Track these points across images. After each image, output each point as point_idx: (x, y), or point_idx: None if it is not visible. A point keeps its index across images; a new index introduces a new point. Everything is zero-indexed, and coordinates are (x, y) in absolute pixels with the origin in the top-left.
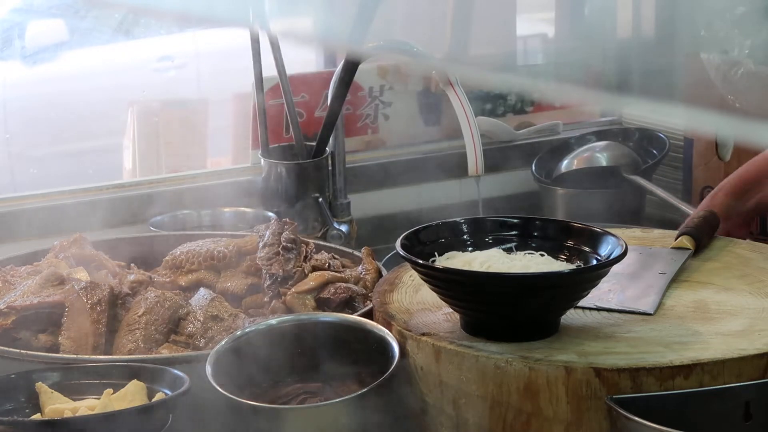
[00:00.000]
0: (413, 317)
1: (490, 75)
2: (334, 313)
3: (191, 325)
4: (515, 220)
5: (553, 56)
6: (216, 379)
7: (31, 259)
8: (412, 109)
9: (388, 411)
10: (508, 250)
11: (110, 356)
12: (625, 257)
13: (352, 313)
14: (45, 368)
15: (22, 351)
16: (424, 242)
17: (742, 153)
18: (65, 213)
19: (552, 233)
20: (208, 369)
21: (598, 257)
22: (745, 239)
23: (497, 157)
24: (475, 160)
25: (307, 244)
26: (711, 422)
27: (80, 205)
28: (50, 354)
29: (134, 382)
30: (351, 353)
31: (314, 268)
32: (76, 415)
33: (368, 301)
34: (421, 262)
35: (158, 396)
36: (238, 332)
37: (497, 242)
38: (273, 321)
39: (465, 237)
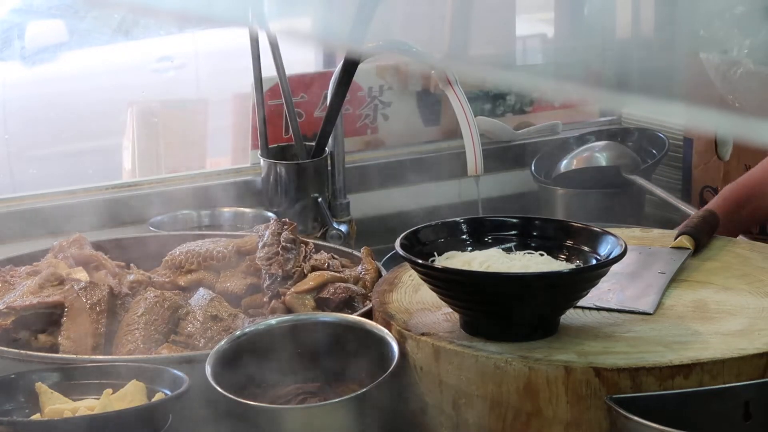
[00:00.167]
0: (413, 317)
1: (489, 75)
2: (334, 313)
3: (191, 325)
4: (515, 220)
5: (552, 56)
6: (215, 379)
7: (30, 260)
8: (412, 109)
9: (387, 411)
10: (508, 250)
11: (110, 356)
12: (625, 257)
13: (351, 313)
14: (45, 368)
15: (21, 351)
16: (423, 242)
17: (742, 152)
18: (65, 213)
19: (551, 233)
20: (208, 369)
21: (598, 257)
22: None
23: (497, 157)
24: (474, 160)
25: (306, 244)
26: (711, 422)
27: (80, 205)
28: (50, 354)
29: (134, 382)
30: (350, 353)
31: (314, 268)
32: (76, 415)
33: (368, 301)
34: (420, 261)
35: (158, 396)
36: (238, 332)
37: (497, 242)
38: (272, 321)
39: (464, 237)
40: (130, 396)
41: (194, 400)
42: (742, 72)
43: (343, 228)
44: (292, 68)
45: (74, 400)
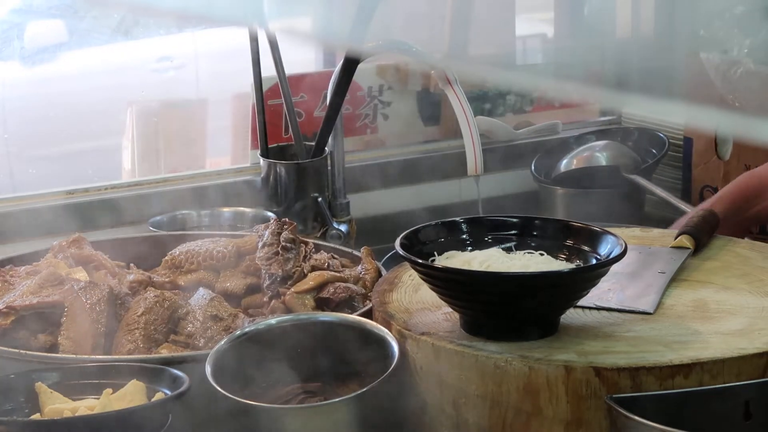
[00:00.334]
0: (413, 317)
1: (489, 74)
2: (334, 313)
3: (191, 325)
4: (514, 220)
5: (552, 56)
6: (215, 379)
7: (30, 260)
8: (412, 108)
9: (387, 411)
10: (508, 250)
11: (109, 356)
12: (625, 256)
13: (351, 313)
14: (44, 368)
15: (21, 351)
16: (423, 242)
17: (742, 152)
18: (64, 213)
19: (551, 232)
20: (208, 369)
21: (598, 256)
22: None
23: (497, 157)
24: (474, 159)
25: (306, 243)
26: (711, 421)
27: (79, 205)
28: (50, 354)
29: (134, 381)
30: (350, 353)
31: (313, 268)
32: (76, 415)
33: (368, 301)
34: (420, 261)
35: (158, 396)
36: (238, 332)
37: (497, 242)
38: (272, 321)
39: (464, 236)
40: (129, 396)
41: (194, 400)
42: (742, 72)
43: (343, 228)
44: (291, 68)
45: (74, 400)
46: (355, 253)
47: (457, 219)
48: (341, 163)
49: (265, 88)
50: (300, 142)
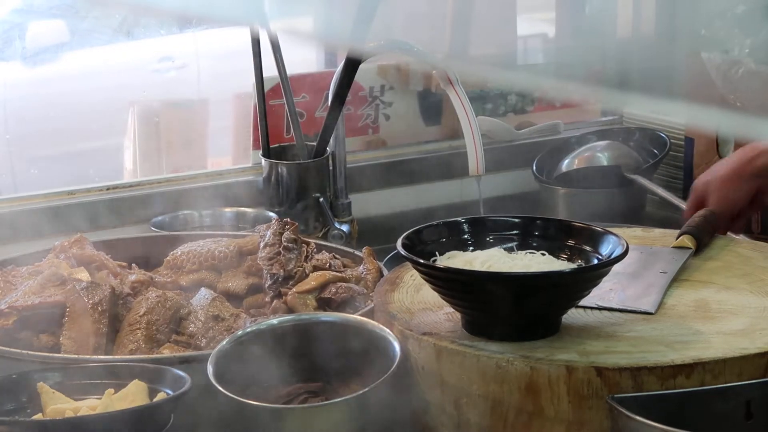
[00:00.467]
0: (414, 317)
1: (490, 74)
2: (336, 313)
3: (192, 325)
4: (516, 220)
5: (553, 56)
6: (217, 379)
7: (32, 260)
8: (413, 108)
9: (389, 411)
10: (509, 250)
11: (111, 356)
12: (626, 256)
13: (353, 313)
14: (46, 368)
15: (23, 351)
16: (425, 242)
17: None
18: (66, 213)
19: (553, 233)
20: (210, 369)
21: (599, 256)
22: (740, 232)
23: (498, 157)
24: (476, 159)
25: (308, 244)
26: (712, 421)
27: (81, 205)
28: (51, 354)
29: (135, 382)
30: (352, 353)
31: (315, 268)
32: (78, 415)
33: (369, 301)
34: (422, 261)
35: (160, 396)
36: (240, 332)
37: (498, 242)
38: (274, 321)
39: (466, 236)
40: (131, 396)
41: (196, 400)
42: (743, 71)
43: (344, 228)
44: (293, 68)
45: (76, 400)
46: (357, 253)
47: (459, 219)
48: (343, 164)
49: (266, 88)
50: (301, 143)
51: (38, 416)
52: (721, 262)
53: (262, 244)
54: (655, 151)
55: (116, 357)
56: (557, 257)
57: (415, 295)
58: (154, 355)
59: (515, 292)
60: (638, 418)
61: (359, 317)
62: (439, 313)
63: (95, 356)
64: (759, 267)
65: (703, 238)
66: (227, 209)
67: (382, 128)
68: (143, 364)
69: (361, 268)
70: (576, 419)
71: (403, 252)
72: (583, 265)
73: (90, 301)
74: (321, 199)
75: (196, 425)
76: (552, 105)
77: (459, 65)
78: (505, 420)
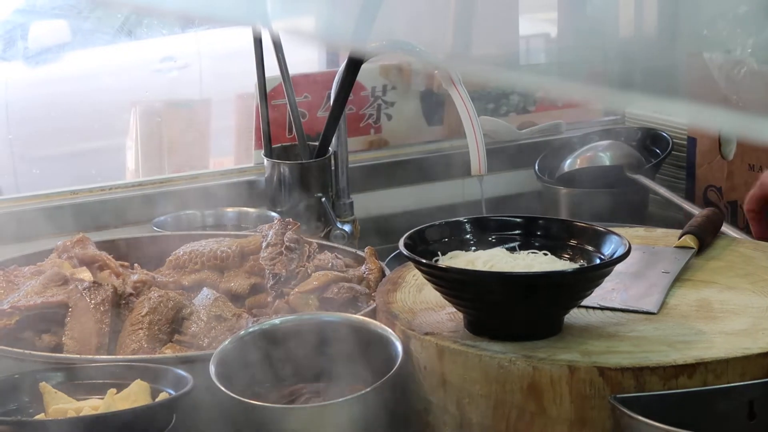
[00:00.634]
0: (416, 317)
1: (492, 74)
2: (338, 313)
3: (194, 325)
4: (518, 220)
5: (555, 56)
6: (219, 379)
7: (34, 260)
8: (415, 108)
9: (391, 410)
10: (511, 250)
11: (114, 356)
12: (629, 256)
13: (355, 313)
14: (48, 368)
15: (25, 351)
16: (427, 242)
17: (745, 152)
18: (68, 213)
19: (555, 232)
20: (212, 369)
21: (602, 256)
22: None
23: (500, 157)
24: (478, 159)
25: (310, 243)
26: (715, 421)
27: (83, 205)
28: (54, 354)
29: (138, 381)
30: (354, 353)
31: (317, 268)
32: (80, 415)
33: (371, 301)
34: (424, 261)
35: (162, 396)
36: (242, 332)
37: (500, 241)
38: (276, 321)
39: (468, 236)
40: (134, 396)
41: (198, 400)
42: (745, 71)
43: (346, 228)
44: (295, 68)
45: (78, 400)
46: (359, 253)
47: (461, 219)
48: (345, 163)
49: (268, 88)
50: (303, 142)
51: (40, 416)
52: (723, 262)
53: (264, 244)
54: (658, 150)
55: (118, 357)
56: (559, 257)
57: (417, 295)
58: (156, 355)
59: (517, 292)
60: (640, 418)
61: (361, 317)
62: (441, 313)
63: (97, 356)
64: (761, 267)
65: (706, 237)
66: (229, 209)
67: (384, 128)
68: (145, 364)
69: (363, 268)
70: (578, 419)
71: (405, 252)
72: (586, 265)
73: (92, 301)
74: (323, 199)
75: (198, 425)
76: (554, 105)
77: (461, 65)
78: (507, 420)
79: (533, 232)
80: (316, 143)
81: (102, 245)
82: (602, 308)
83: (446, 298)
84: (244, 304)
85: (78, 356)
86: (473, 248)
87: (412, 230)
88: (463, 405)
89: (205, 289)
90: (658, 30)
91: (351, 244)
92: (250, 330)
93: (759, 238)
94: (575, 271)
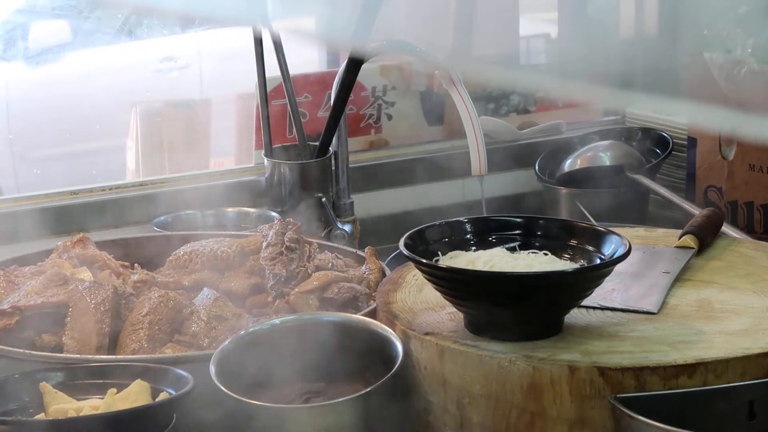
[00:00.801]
0: (417, 317)
1: (493, 74)
2: (338, 313)
3: (195, 325)
4: (518, 220)
5: (555, 56)
6: (220, 379)
7: (34, 260)
8: (415, 108)
9: (391, 410)
10: (512, 250)
11: (114, 356)
12: (629, 256)
13: (355, 313)
14: (49, 368)
15: (25, 351)
16: (427, 242)
17: (746, 152)
18: (69, 213)
19: (555, 232)
20: (212, 369)
21: (602, 256)
22: None
23: (500, 157)
24: (478, 159)
25: (310, 243)
26: (715, 421)
27: (84, 205)
28: (54, 354)
29: (138, 381)
30: (354, 353)
31: (317, 268)
32: (80, 415)
33: (372, 301)
34: (424, 261)
35: (162, 396)
36: (242, 332)
37: (500, 241)
38: (276, 321)
39: (468, 236)
40: (134, 396)
41: (198, 400)
42: (745, 71)
43: (347, 228)
44: (295, 68)
45: (78, 400)
46: (359, 253)
47: (461, 219)
48: (345, 163)
49: (269, 88)
50: (304, 142)
51: (41, 416)
52: (723, 262)
53: (264, 244)
54: (658, 151)
55: (119, 357)
56: (560, 257)
57: (417, 295)
58: (157, 355)
59: (517, 292)
60: (641, 418)
61: (361, 317)
62: (441, 312)
63: (98, 356)
64: (762, 267)
65: (706, 238)
66: (230, 209)
67: (385, 128)
68: (146, 364)
69: (363, 268)
70: (578, 419)
71: (405, 252)
72: (586, 265)
73: (92, 301)
74: (323, 199)
75: (199, 425)
76: (554, 105)
77: (461, 65)
78: (508, 420)
79: (533, 232)
80: (317, 143)
81: (102, 245)
82: (602, 308)
83: (446, 298)
84: (244, 304)
85: (78, 356)
86: (473, 248)
87: (412, 230)
88: (463, 405)
89: (205, 289)
90: (659, 30)
91: (351, 244)
92: (250, 330)
93: None
94: (575, 271)
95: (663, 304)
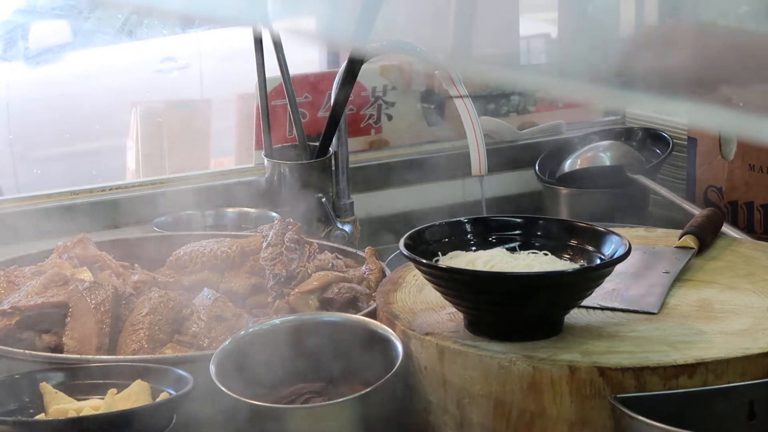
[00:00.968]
0: (417, 317)
1: (493, 74)
2: (338, 313)
3: (195, 325)
4: (518, 220)
5: (556, 56)
6: (220, 379)
7: (34, 260)
8: (416, 109)
9: (391, 411)
10: (512, 250)
11: (114, 356)
12: (629, 256)
13: (355, 313)
14: (49, 368)
15: (25, 351)
16: (427, 242)
17: (746, 152)
18: (69, 214)
19: (555, 233)
20: (212, 369)
21: (602, 256)
22: None
23: (500, 157)
24: (478, 159)
25: (310, 244)
26: (715, 421)
27: (84, 205)
28: (54, 354)
29: (138, 382)
30: (354, 353)
31: (317, 268)
32: (80, 415)
33: (372, 301)
34: (424, 261)
35: (162, 396)
36: (242, 332)
37: (501, 242)
38: (276, 321)
39: (468, 236)
40: (134, 396)
41: (198, 400)
42: None
43: (347, 228)
44: (295, 68)
45: (79, 400)
46: (359, 253)
47: (461, 219)
48: (345, 164)
49: (269, 88)
50: (304, 143)
51: (41, 416)
52: (723, 262)
53: (264, 245)
54: (658, 151)
55: (119, 357)
56: (560, 257)
57: (417, 295)
58: (157, 355)
59: (517, 292)
60: (641, 418)
61: (362, 317)
62: (441, 313)
63: (98, 356)
64: (762, 267)
65: (706, 238)
66: (230, 209)
67: (385, 128)
68: (146, 364)
69: (363, 268)
70: (578, 419)
71: (405, 252)
72: (586, 265)
73: (93, 302)
74: (323, 200)
75: (199, 425)
76: (554, 105)
77: (461, 65)
78: (508, 420)
79: (533, 233)
80: (317, 143)
81: (102, 245)
82: (603, 308)
83: (446, 298)
84: (244, 304)
85: (78, 356)
86: (473, 248)
87: (412, 230)
88: (463, 405)
89: (205, 289)
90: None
91: (351, 244)
92: (251, 330)
93: None
94: (575, 271)
95: (663, 304)
